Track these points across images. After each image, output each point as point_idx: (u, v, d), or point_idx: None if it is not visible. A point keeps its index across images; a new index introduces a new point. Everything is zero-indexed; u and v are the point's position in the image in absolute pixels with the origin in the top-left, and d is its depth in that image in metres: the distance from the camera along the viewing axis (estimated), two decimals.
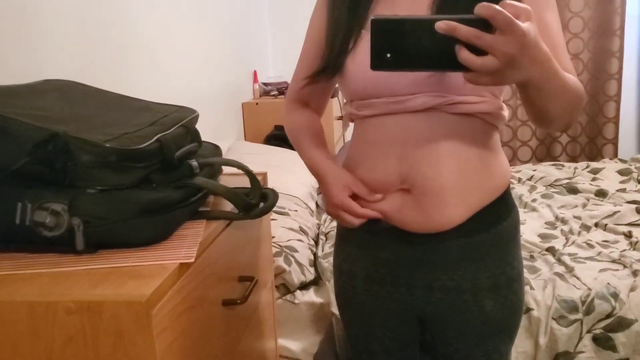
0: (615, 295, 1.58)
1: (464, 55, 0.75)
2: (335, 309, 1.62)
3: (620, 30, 3.73)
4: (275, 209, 2.02)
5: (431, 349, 1.21)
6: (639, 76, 3.87)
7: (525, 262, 1.78)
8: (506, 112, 1.08)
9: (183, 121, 1.13)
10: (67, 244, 0.87)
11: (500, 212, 1.10)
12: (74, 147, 0.89)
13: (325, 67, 1.12)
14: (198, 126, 1.24)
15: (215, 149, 1.30)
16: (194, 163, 1.05)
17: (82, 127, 0.96)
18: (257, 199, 1.13)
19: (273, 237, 1.70)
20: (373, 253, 1.15)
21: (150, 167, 0.97)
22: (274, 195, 1.17)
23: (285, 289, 1.68)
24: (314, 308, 1.68)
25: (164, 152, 0.99)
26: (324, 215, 2.33)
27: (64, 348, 0.73)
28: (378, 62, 0.79)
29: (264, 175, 1.39)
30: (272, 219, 1.90)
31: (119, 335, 0.73)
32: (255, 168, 1.44)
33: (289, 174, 2.53)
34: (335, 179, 1.11)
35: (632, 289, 1.60)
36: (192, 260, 0.85)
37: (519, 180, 2.83)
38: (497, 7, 0.73)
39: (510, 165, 3.64)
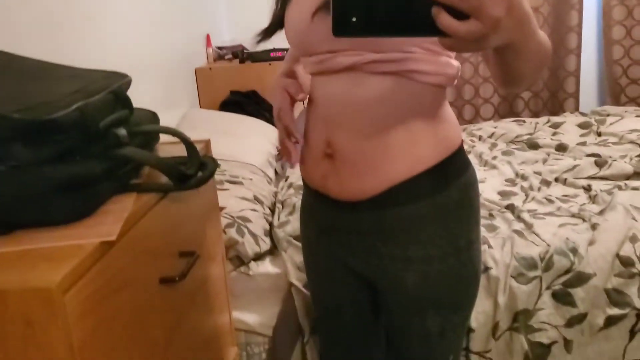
0: (574, 251, 1.56)
1: (445, 20, 0.64)
2: (294, 279, 1.57)
3: None
4: (228, 178, 1.95)
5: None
6: (598, 29, 3.85)
7: (484, 221, 1.76)
8: (449, 69, 0.99)
9: (111, 87, 1.05)
10: None
11: (434, 185, 1.02)
12: None
13: (271, 22, 1.10)
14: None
15: (153, 117, 1.22)
16: (122, 132, 0.98)
17: None
18: (194, 169, 1.06)
19: (224, 208, 1.63)
20: (318, 218, 1.15)
21: (71, 138, 0.89)
22: (214, 163, 1.11)
23: (239, 260, 1.62)
24: (270, 279, 1.63)
25: (86, 121, 0.91)
26: (282, 183, 2.27)
27: None
28: (341, 28, 0.67)
29: (207, 142, 1.32)
30: (224, 189, 1.83)
31: (28, 325, 0.66)
32: (210, 136, 1.37)
33: (245, 141, 2.46)
34: (276, 82, 1.17)
35: (591, 243, 1.58)
36: (114, 238, 0.78)
37: (480, 138, 2.80)
38: None
39: (472, 123, 3.62)
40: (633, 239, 1.58)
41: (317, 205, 1.13)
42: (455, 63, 1.01)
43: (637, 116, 2.85)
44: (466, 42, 0.66)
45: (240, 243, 1.59)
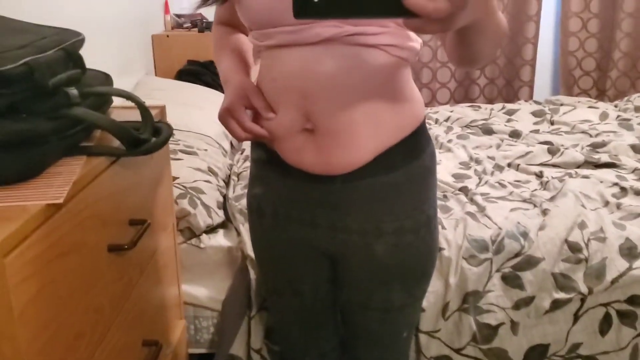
0: (524, 235, 1.58)
1: None
2: (251, 252, 1.54)
3: None
4: (182, 148, 1.90)
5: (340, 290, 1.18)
6: (556, 19, 3.91)
7: (438, 202, 1.76)
8: (417, 44, 1.00)
9: (63, 44, 0.99)
10: None
11: (409, 153, 1.04)
12: None
13: None
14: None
15: (106, 79, 1.17)
16: (73, 91, 0.93)
17: None
18: (148, 134, 1.02)
19: (177, 178, 1.59)
20: (279, 191, 1.09)
21: (18, 94, 0.85)
22: (168, 129, 1.07)
23: (191, 232, 1.59)
24: (221, 252, 1.60)
25: (34, 78, 0.86)
26: (237, 155, 2.23)
27: None
28: (302, 9, 0.62)
29: (162, 108, 1.27)
30: (178, 159, 1.79)
31: None
32: (165, 105, 1.32)
33: (201, 112, 2.40)
34: (237, 85, 1.03)
35: (541, 228, 1.61)
36: (60, 201, 0.74)
37: (436, 121, 2.81)
38: None
39: (429, 106, 3.64)
40: (581, 225, 1.61)
41: (280, 181, 1.08)
42: (419, 39, 1.02)
43: (589, 107, 2.91)
44: (433, 23, 0.64)
45: (192, 214, 1.55)
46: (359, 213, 1.05)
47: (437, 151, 2.35)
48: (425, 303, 1.51)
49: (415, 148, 1.05)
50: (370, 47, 0.95)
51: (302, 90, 0.96)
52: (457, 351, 1.55)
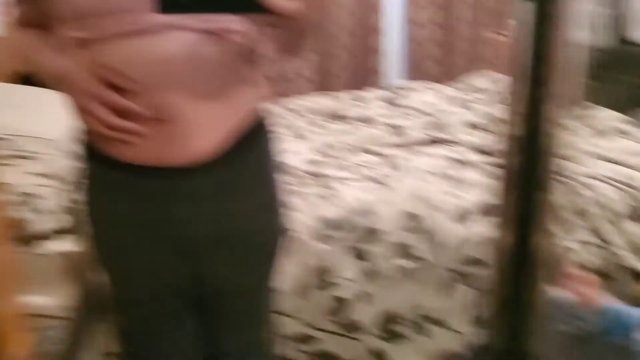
0: (371, 211, 1.67)
1: None
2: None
3: None
4: (17, 153, 1.80)
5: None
6: (402, 7, 4.09)
7: (291, 187, 1.81)
8: (257, 31, 1.01)
9: None
10: None
11: (258, 136, 1.07)
12: None
13: None
14: None
15: None
16: None
17: None
18: None
19: (8, 184, 1.49)
20: (124, 192, 1.04)
21: None
22: None
23: (30, 239, 1.50)
24: (67, 258, 1.53)
25: None
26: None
27: None
28: (168, 5, 0.66)
29: None
30: (13, 165, 1.68)
31: None
32: (3, 110, 1.23)
33: (45, 115, 2.26)
34: (83, 75, 0.95)
35: (386, 204, 1.70)
36: None
37: (291, 110, 2.86)
38: None
39: (284, 97, 3.68)
40: (423, 200, 1.73)
41: (127, 178, 1.02)
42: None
43: (432, 90, 3.10)
44: (285, 19, 0.72)
45: (29, 221, 1.47)
46: (210, 203, 1.04)
47: (291, 139, 2.40)
48: (283, 285, 1.54)
49: (263, 131, 1.09)
50: (213, 34, 0.95)
51: (147, 80, 0.94)
52: (318, 329, 1.60)
